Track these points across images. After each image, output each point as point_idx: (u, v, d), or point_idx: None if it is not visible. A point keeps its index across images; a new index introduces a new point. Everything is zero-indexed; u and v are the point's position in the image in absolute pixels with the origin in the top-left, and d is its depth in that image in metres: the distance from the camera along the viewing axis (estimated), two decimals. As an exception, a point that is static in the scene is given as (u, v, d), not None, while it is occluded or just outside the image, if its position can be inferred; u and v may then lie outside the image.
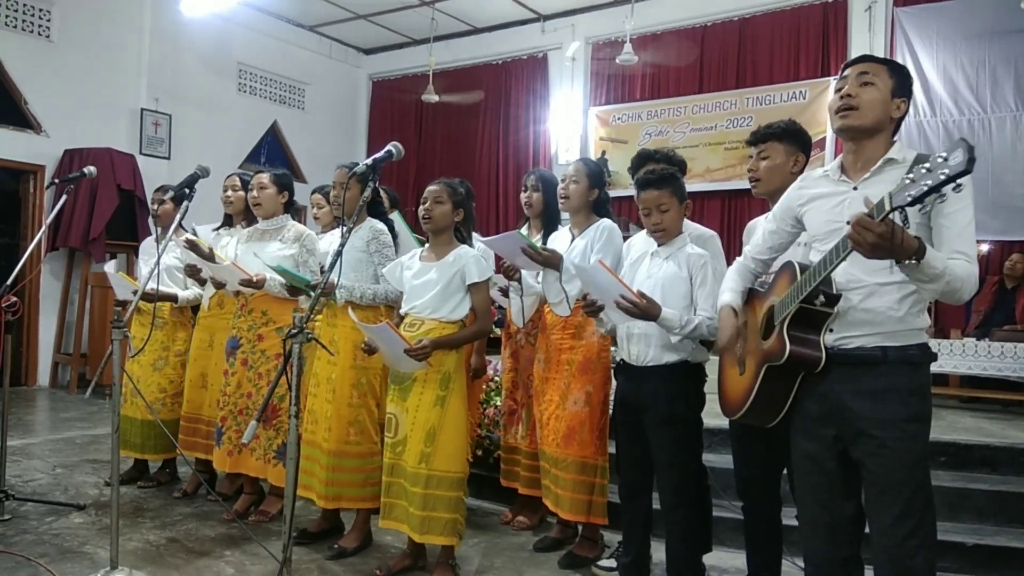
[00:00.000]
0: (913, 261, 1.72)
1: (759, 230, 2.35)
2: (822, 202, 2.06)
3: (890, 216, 1.63)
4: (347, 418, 3.24)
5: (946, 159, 1.54)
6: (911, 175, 1.58)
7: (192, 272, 3.85)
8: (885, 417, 1.90)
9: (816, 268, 1.90)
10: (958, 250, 1.85)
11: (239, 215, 4.06)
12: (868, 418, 1.92)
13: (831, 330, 1.97)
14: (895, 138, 2.04)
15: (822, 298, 1.92)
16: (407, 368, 2.93)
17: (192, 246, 3.67)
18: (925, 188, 1.55)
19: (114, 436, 2.79)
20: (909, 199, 1.58)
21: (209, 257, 3.69)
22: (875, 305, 1.93)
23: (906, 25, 7.03)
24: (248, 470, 3.65)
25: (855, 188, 1.99)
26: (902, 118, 2.02)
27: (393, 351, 2.89)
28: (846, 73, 2.03)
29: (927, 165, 1.56)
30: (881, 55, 6.95)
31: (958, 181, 1.53)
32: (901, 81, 2.01)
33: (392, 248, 3.34)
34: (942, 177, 1.53)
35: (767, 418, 2.10)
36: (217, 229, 4.18)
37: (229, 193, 4.02)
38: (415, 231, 4.05)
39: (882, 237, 1.65)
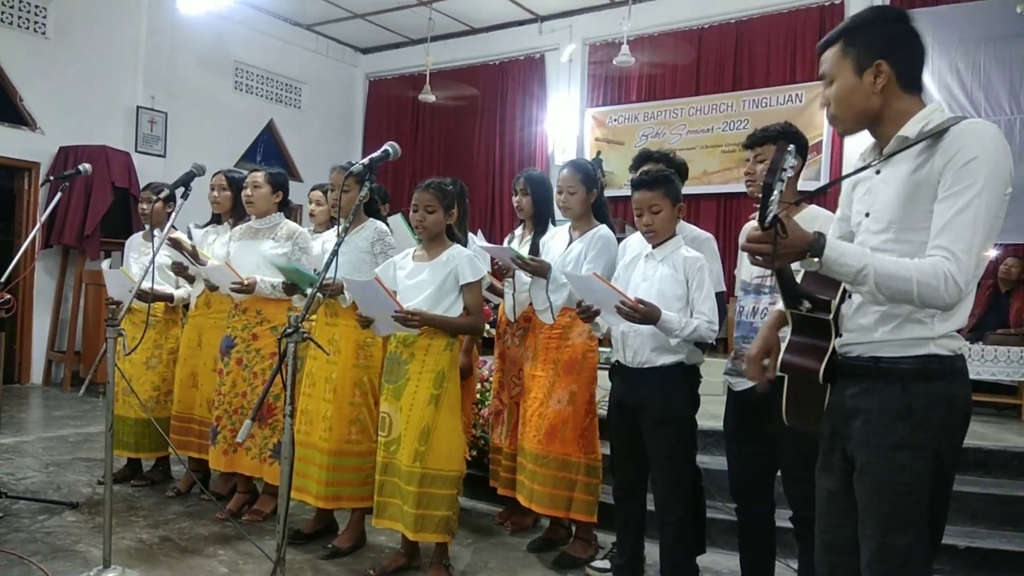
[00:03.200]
0: (814, 260, 1.52)
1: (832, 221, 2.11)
2: (860, 187, 1.83)
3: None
4: (348, 417, 3.23)
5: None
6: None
7: (180, 270, 3.84)
8: (864, 439, 1.66)
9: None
10: (939, 244, 1.55)
11: (227, 214, 4.05)
12: (853, 438, 1.70)
13: (840, 335, 1.75)
14: (913, 100, 1.70)
15: (807, 303, 1.70)
16: (387, 331, 2.94)
17: (175, 244, 3.66)
18: (770, 210, 1.44)
19: (107, 434, 2.79)
20: (769, 215, 1.46)
21: (192, 255, 3.68)
22: (875, 308, 1.68)
23: (902, 29, 7.05)
24: (243, 469, 3.64)
25: (877, 172, 1.75)
26: (905, 75, 1.67)
27: (379, 310, 2.86)
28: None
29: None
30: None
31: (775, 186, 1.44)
32: (862, 47, 1.68)
33: (395, 249, 3.34)
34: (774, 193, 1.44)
35: (807, 424, 1.86)
36: (204, 227, 4.17)
37: (216, 193, 4.01)
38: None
39: (765, 243, 1.50)
